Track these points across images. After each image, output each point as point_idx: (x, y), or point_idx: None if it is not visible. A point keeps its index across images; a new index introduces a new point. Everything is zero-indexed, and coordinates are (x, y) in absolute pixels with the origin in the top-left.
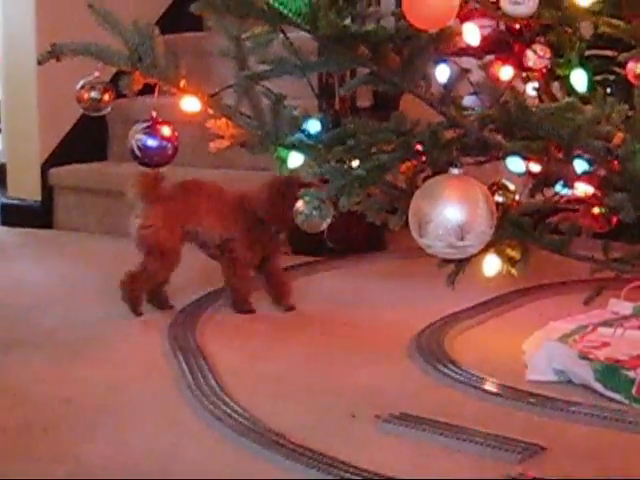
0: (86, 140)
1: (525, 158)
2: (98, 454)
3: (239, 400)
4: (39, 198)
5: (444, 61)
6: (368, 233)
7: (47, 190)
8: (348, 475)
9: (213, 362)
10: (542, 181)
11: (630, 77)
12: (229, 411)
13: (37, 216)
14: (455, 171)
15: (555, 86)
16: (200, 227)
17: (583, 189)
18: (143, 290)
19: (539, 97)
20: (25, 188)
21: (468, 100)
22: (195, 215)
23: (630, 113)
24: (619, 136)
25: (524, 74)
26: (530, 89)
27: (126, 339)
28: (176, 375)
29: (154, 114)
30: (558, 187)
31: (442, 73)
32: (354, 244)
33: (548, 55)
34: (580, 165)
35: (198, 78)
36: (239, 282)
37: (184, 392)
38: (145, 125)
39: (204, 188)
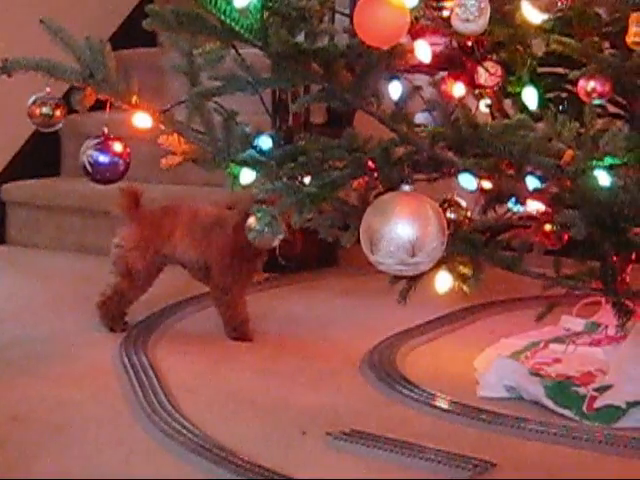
0: (39, 156)
1: (477, 175)
2: (47, 472)
3: (190, 417)
4: None
5: (396, 78)
6: (320, 250)
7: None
8: None
9: (165, 379)
10: (494, 198)
11: (581, 95)
12: (180, 428)
13: None
14: (406, 188)
15: (507, 103)
16: (176, 252)
17: (534, 206)
18: (117, 310)
19: (491, 114)
20: None
21: (420, 117)
22: (170, 240)
23: (581, 130)
24: (569, 154)
25: (476, 91)
26: (483, 106)
27: (77, 356)
28: (127, 392)
29: (105, 130)
30: (510, 204)
31: (394, 90)
32: (306, 260)
33: (499, 72)
34: (532, 182)
35: (151, 94)
36: (224, 309)
37: (135, 409)
38: (96, 141)
39: (182, 212)
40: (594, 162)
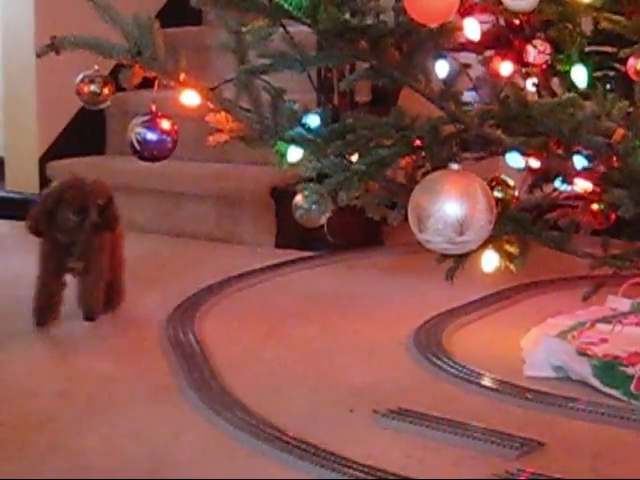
0: (84, 134)
1: (524, 154)
2: (94, 448)
3: (237, 394)
4: (37, 191)
5: (443, 56)
6: (366, 228)
7: (45, 183)
8: (345, 469)
9: (211, 356)
10: (541, 177)
11: (630, 73)
12: (226, 405)
13: None
14: (454, 166)
15: (555, 82)
16: None
17: (582, 185)
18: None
19: (538, 93)
20: (23, 181)
21: (467, 96)
22: None
23: (630, 109)
24: (619, 132)
25: (524, 70)
26: (530, 85)
27: (123, 333)
28: (174, 369)
29: (153, 107)
30: (557, 183)
31: (442, 68)
32: (353, 239)
33: (548, 51)
34: (579, 161)
35: (198, 72)
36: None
37: (182, 386)
38: (145, 118)
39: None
40: None
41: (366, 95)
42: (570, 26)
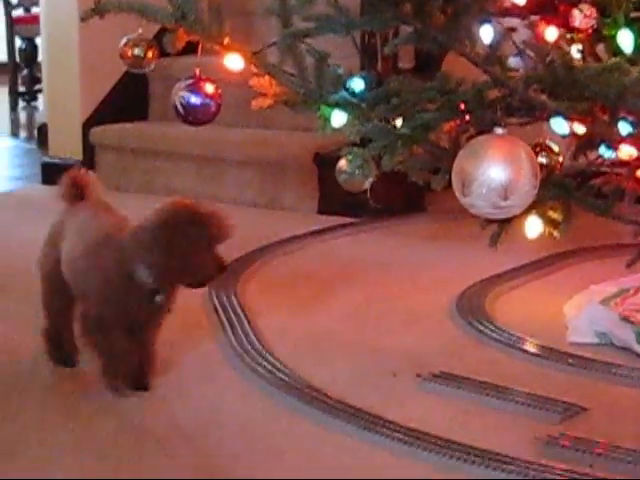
0: (127, 99)
1: (569, 119)
2: (140, 409)
3: (280, 357)
4: (80, 157)
5: (489, 21)
6: (409, 195)
7: (88, 149)
8: (387, 431)
9: (254, 319)
10: (586, 143)
11: None
12: (270, 367)
13: None
14: (499, 131)
15: (600, 49)
16: (63, 268)
17: (627, 151)
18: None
19: (584, 59)
20: (66, 147)
21: (512, 61)
22: (63, 247)
23: None
24: None
25: (568, 36)
26: (574, 51)
27: None
28: (218, 332)
29: (197, 71)
30: (602, 149)
31: (487, 33)
32: (395, 205)
33: (594, 15)
34: (624, 127)
35: (242, 36)
36: (101, 348)
37: (226, 349)
38: (188, 82)
39: (79, 213)
40: None
41: (409, 61)
42: None
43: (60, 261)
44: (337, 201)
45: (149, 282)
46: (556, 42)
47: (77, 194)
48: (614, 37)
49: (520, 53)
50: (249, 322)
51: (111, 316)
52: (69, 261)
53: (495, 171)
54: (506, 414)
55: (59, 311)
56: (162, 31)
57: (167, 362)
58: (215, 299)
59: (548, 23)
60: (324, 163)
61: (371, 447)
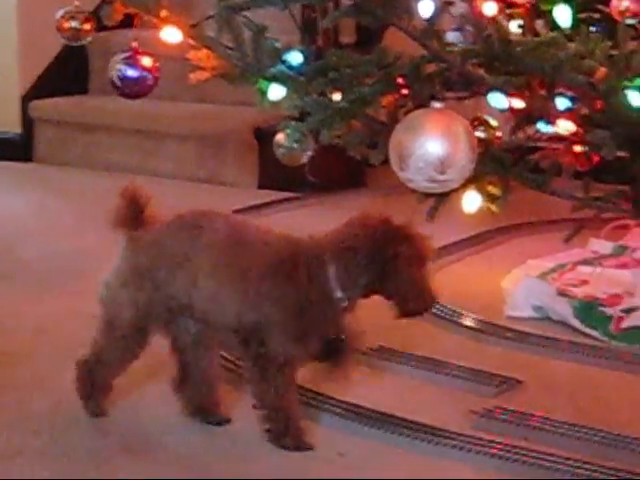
0: (67, 73)
1: (508, 94)
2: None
3: None
4: (19, 131)
5: None
6: (348, 170)
7: (27, 123)
8: (327, 407)
9: None
10: (524, 118)
11: (614, 14)
12: None
13: (17, 149)
14: (437, 105)
15: (539, 24)
16: (196, 296)
17: (565, 126)
18: (95, 378)
19: (523, 35)
20: (5, 121)
21: (451, 36)
22: (187, 273)
23: (614, 52)
24: (602, 71)
25: (508, 10)
26: (514, 27)
27: (102, 271)
28: None
29: (134, 44)
30: (540, 125)
31: (426, 7)
32: (335, 180)
33: None
34: (562, 102)
35: (181, 10)
36: (277, 400)
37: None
38: (125, 55)
39: (217, 227)
40: (626, 82)
41: (350, 36)
42: None
43: (154, 301)
44: (277, 176)
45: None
46: (494, 17)
47: (138, 218)
48: (552, 12)
49: (459, 28)
50: None
51: (301, 353)
52: (216, 293)
53: (432, 145)
54: (443, 388)
55: (118, 359)
56: (102, 4)
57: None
58: None
59: None
60: (264, 138)
61: (311, 424)
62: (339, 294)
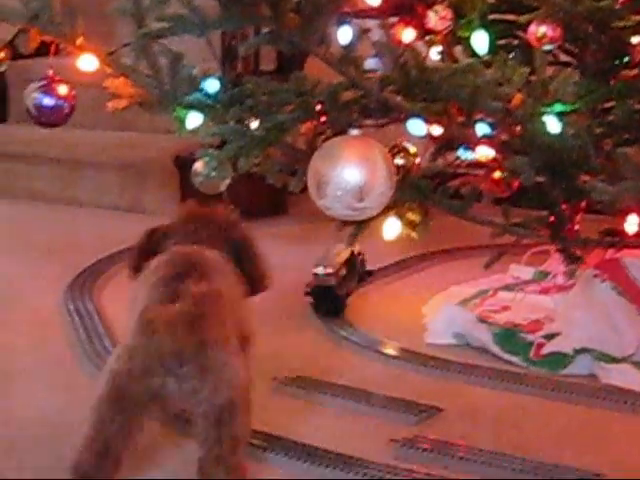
0: None
1: (426, 120)
2: None
3: None
4: None
5: (346, 22)
6: (269, 197)
7: None
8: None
9: (110, 325)
10: (444, 145)
11: (532, 40)
12: None
13: None
14: (354, 132)
15: (458, 50)
16: None
17: (484, 153)
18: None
19: (442, 61)
20: None
21: (370, 63)
22: None
23: (532, 78)
24: (518, 97)
25: (427, 37)
26: (434, 53)
27: (22, 301)
28: (72, 338)
29: (50, 72)
30: (460, 151)
31: (344, 34)
32: (256, 208)
33: (450, 16)
34: (481, 128)
35: (98, 38)
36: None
37: (80, 355)
38: (41, 84)
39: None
40: (544, 108)
41: (271, 63)
42: None
43: None
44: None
45: None
46: (410, 43)
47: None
48: (469, 39)
49: (378, 55)
50: (105, 327)
51: None
52: None
53: (350, 172)
54: (362, 417)
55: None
56: (18, 33)
57: (18, 369)
58: (70, 303)
59: (406, 25)
60: (185, 165)
61: None
62: None
